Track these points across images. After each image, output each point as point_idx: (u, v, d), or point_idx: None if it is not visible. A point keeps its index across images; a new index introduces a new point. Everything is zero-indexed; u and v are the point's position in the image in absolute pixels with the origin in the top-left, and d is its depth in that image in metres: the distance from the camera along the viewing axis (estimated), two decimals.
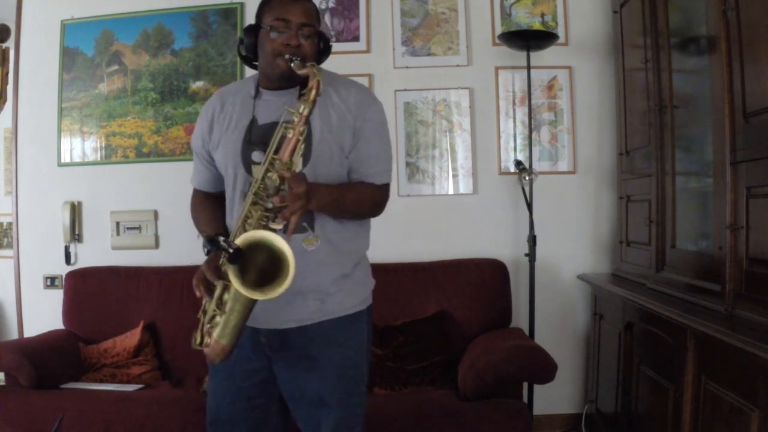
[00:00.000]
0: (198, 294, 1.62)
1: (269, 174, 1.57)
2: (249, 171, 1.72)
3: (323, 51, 1.78)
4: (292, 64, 1.63)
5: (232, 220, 1.75)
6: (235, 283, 1.48)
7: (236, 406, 1.80)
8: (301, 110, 1.57)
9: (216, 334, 1.59)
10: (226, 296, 1.58)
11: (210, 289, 1.60)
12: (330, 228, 1.73)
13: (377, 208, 1.81)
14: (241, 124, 1.75)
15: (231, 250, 1.47)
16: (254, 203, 1.58)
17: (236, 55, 3.57)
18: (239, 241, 1.50)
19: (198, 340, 1.64)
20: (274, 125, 1.66)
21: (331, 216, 1.71)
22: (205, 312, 1.64)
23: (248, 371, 1.80)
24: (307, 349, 1.74)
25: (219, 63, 3.55)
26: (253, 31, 1.75)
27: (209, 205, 1.88)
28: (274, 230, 1.54)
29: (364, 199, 1.76)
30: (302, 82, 1.70)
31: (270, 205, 1.53)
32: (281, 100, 1.73)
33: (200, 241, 1.66)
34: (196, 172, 1.92)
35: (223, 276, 1.57)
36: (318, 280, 1.72)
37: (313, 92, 1.57)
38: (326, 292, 1.74)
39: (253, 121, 1.74)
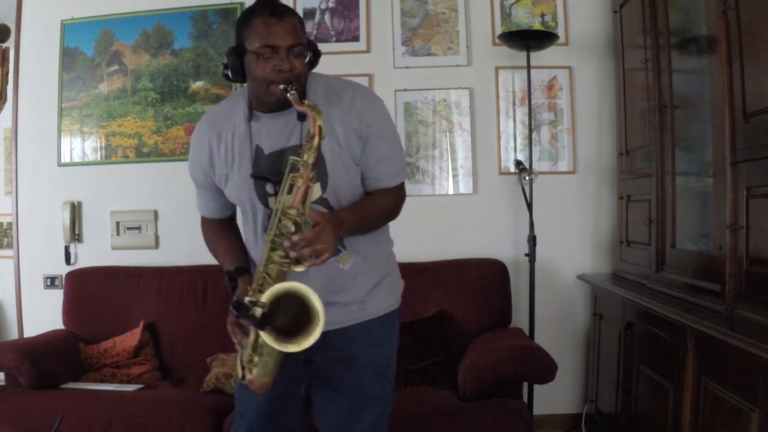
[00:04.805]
0: (235, 340, 1.62)
1: (283, 222, 1.55)
2: (267, 204, 1.69)
3: (314, 58, 1.69)
4: (288, 95, 1.55)
5: (257, 250, 1.74)
6: (269, 341, 1.50)
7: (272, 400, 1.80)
8: (305, 158, 1.53)
9: (256, 373, 1.61)
10: (261, 340, 1.57)
11: (246, 333, 1.61)
12: (359, 242, 1.74)
13: (397, 210, 1.83)
14: (246, 156, 1.68)
15: (258, 318, 1.47)
16: (273, 249, 1.57)
17: None
18: (266, 297, 1.49)
19: (241, 375, 1.65)
20: (281, 153, 1.65)
21: (358, 233, 1.72)
22: (242, 346, 1.64)
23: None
24: (348, 350, 1.76)
25: (219, 63, 3.55)
26: (237, 53, 1.61)
27: (224, 234, 1.86)
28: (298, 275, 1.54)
29: (385, 209, 1.78)
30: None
31: (293, 254, 1.51)
32: (281, 122, 1.67)
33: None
34: (201, 201, 1.87)
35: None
36: (357, 292, 1.76)
37: (316, 139, 1.53)
38: (364, 301, 1.78)
39: (258, 151, 1.68)
